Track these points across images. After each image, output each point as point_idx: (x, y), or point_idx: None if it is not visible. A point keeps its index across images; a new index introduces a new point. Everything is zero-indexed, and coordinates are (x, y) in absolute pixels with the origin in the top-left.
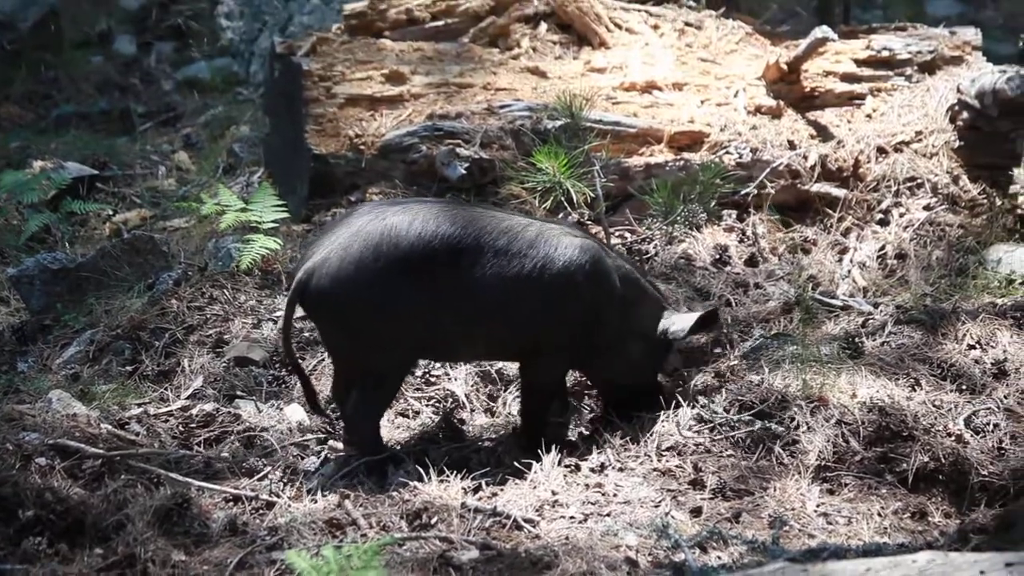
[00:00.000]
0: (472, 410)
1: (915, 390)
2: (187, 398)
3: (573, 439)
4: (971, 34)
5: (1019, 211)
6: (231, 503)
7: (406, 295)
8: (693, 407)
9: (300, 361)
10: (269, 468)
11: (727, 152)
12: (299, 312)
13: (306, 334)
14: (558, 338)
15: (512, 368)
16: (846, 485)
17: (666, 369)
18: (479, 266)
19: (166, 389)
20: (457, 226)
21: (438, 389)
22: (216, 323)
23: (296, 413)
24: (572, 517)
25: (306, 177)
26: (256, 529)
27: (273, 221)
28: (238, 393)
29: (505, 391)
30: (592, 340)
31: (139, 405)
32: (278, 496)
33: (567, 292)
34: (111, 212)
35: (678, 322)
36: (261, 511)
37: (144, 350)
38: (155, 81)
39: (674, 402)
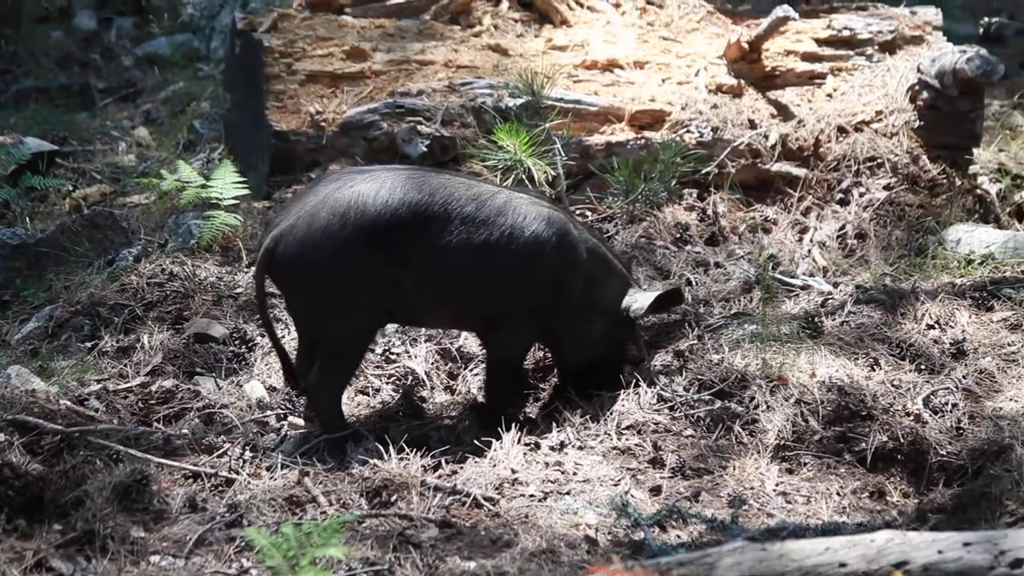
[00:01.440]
0: (432, 388)
1: (874, 370)
2: (146, 374)
3: (533, 417)
4: (932, 14)
5: (978, 191)
6: (190, 480)
7: (372, 262)
8: (653, 386)
9: (277, 332)
10: (229, 445)
11: (688, 131)
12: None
13: (270, 311)
14: (522, 309)
15: (472, 346)
16: (805, 464)
17: (628, 355)
18: (446, 233)
19: (125, 365)
20: (424, 193)
21: (398, 367)
22: (176, 300)
23: (256, 390)
24: (532, 495)
25: (267, 154)
26: (215, 506)
27: (234, 198)
28: (198, 370)
29: (465, 369)
30: (556, 313)
31: (98, 381)
32: (237, 473)
33: (532, 263)
34: (71, 188)
35: (639, 299)
36: (220, 488)
37: (103, 326)
38: (115, 57)
39: (634, 381)
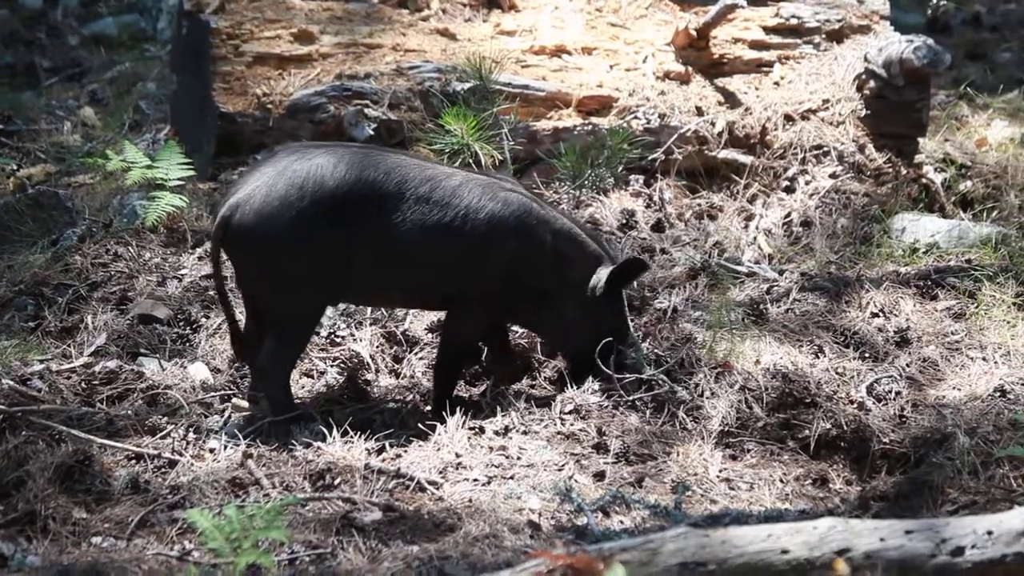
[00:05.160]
0: (377, 371)
1: (818, 357)
2: (90, 355)
3: (478, 400)
4: (879, 3)
5: (924, 180)
6: (133, 461)
7: (328, 236)
8: (642, 369)
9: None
10: (172, 426)
11: (635, 117)
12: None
13: (211, 292)
14: (475, 291)
15: (418, 330)
16: (749, 451)
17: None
18: (400, 212)
19: (69, 346)
20: (381, 171)
21: (343, 350)
22: (120, 280)
23: (200, 372)
24: (475, 480)
25: (213, 135)
26: (158, 487)
27: (179, 179)
28: (142, 351)
29: (411, 352)
30: (521, 297)
31: (41, 361)
32: (181, 454)
33: (488, 245)
34: (15, 167)
35: (600, 275)
36: (163, 469)
37: (47, 306)
38: (61, 36)
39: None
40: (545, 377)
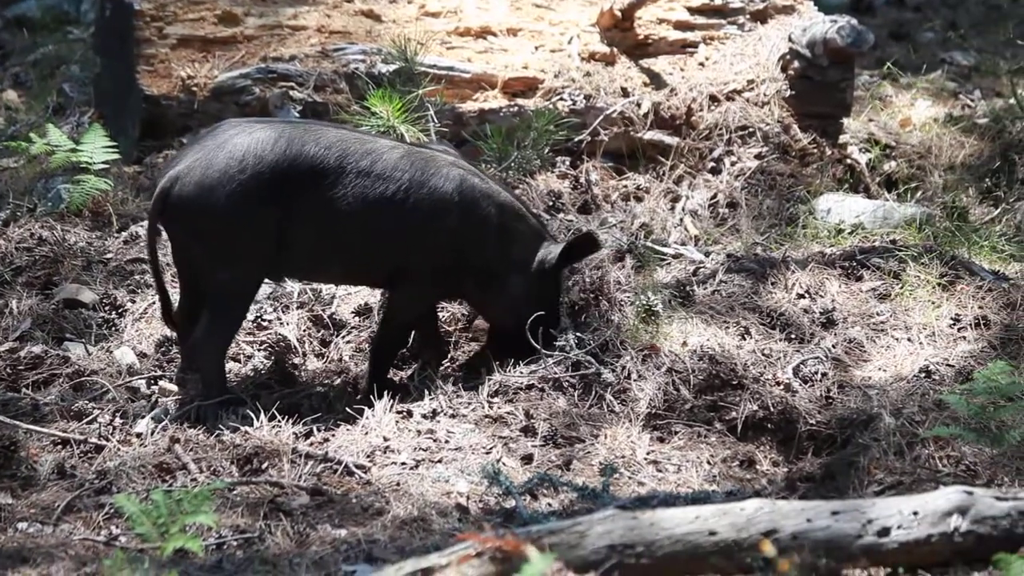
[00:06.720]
0: (304, 355)
1: (745, 339)
2: (15, 340)
3: (405, 383)
4: None
5: (848, 161)
6: (59, 446)
7: (266, 209)
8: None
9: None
10: (98, 411)
11: (561, 99)
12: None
13: (137, 276)
14: (419, 267)
15: (345, 313)
16: (676, 433)
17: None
18: (341, 186)
19: None
20: (321, 145)
21: (270, 334)
22: (45, 264)
23: (126, 356)
24: (404, 463)
25: (137, 118)
26: (84, 473)
27: (104, 162)
28: (67, 335)
29: (338, 336)
30: (465, 272)
31: None
32: (107, 439)
33: (431, 219)
34: None
35: (553, 250)
36: (90, 455)
37: None
38: None
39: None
40: (471, 359)
